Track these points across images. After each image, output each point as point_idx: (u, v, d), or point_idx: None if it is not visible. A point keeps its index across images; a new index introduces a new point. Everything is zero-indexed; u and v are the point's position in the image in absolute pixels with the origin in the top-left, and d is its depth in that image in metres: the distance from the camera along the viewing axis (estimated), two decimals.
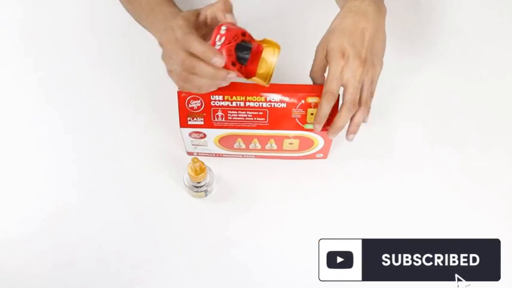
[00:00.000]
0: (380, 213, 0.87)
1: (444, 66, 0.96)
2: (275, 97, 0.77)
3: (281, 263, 0.84)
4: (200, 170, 0.80)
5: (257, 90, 0.77)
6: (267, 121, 0.79)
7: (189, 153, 0.89)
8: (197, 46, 0.68)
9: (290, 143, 0.83)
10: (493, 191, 0.89)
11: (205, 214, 0.87)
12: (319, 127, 0.75)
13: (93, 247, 0.85)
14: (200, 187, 0.84)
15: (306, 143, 0.83)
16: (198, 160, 0.79)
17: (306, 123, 0.79)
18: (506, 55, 0.98)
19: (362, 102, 0.74)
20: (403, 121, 0.93)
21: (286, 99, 0.77)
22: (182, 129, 0.80)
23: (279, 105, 0.77)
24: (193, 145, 0.85)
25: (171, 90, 0.77)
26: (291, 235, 0.86)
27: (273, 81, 0.76)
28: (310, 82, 0.79)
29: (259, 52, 0.74)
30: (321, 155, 0.88)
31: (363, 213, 0.87)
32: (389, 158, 0.90)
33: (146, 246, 0.85)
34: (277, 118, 0.78)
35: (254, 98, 0.77)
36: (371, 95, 0.75)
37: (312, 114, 0.77)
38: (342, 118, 0.73)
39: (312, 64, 0.77)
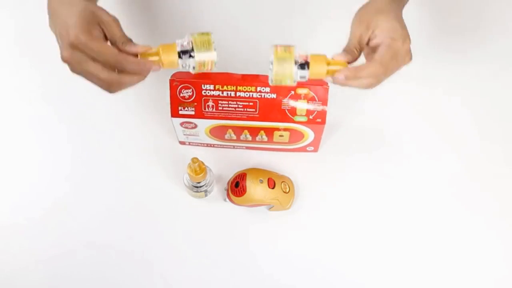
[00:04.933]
0: (370, 207, 0.88)
1: (442, 64, 0.97)
2: (265, 87, 0.78)
3: (280, 260, 0.85)
4: (200, 170, 0.80)
5: (247, 80, 0.78)
6: (257, 112, 0.80)
7: (181, 143, 0.90)
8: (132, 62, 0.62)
9: (280, 135, 0.84)
10: (490, 187, 0.90)
11: (205, 214, 0.88)
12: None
13: (93, 247, 0.86)
14: (200, 187, 0.84)
15: (296, 136, 0.84)
16: (198, 160, 0.79)
17: (296, 115, 0.79)
18: (506, 54, 0.98)
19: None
20: (394, 114, 0.93)
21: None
22: (173, 119, 0.81)
23: (269, 95, 0.78)
24: (184, 135, 0.86)
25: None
26: (290, 233, 0.87)
27: (265, 72, 0.77)
28: None
29: None
30: (312, 148, 0.89)
31: (353, 206, 0.88)
32: (380, 152, 0.91)
33: (146, 245, 0.86)
34: (267, 110, 0.79)
35: (244, 88, 0.78)
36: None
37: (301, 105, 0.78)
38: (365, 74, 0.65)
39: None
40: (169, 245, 0.86)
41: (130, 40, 0.64)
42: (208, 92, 0.78)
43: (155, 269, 0.85)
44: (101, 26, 0.63)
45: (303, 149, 0.89)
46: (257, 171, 0.87)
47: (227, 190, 0.86)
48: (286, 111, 0.79)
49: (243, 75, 0.79)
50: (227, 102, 0.79)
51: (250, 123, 0.81)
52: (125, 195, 0.88)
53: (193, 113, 0.80)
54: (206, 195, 0.87)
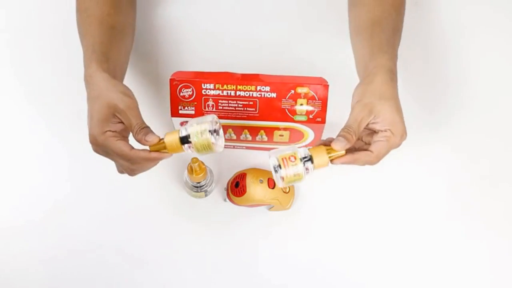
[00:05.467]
0: (371, 207, 0.88)
1: (440, 64, 0.97)
2: (265, 86, 0.78)
3: (281, 260, 0.85)
4: (200, 170, 0.80)
5: (247, 79, 0.78)
6: (257, 112, 0.80)
7: None
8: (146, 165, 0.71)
9: (280, 135, 0.84)
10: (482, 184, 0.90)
11: (205, 214, 0.88)
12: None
13: (93, 247, 0.86)
14: (200, 187, 0.84)
15: (296, 136, 0.84)
16: (198, 160, 0.79)
17: (296, 114, 0.79)
18: (505, 54, 0.98)
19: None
20: None
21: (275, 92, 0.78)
22: (173, 118, 0.81)
23: (269, 95, 0.78)
24: None
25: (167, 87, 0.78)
26: (290, 233, 0.87)
27: (265, 72, 0.78)
28: (299, 74, 0.79)
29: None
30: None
31: (353, 206, 0.88)
32: None
33: (146, 245, 0.86)
34: (267, 109, 0.79)
35: (244, 87, 0.78)
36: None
37: (301, 104, 0.78)
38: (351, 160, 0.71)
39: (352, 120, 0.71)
40: (169, 245, 0.86)
41: (144, 127, 0.69)
42: (208, 92, 0.78)
43: (155, 269, 0.85)
44: (117, 116, 0.69)
45: None
46: (257, 171, 0.87)
47: (227, 190, 0.86)
48: (286, 111, 0.79)
49: (243, 75, 0.79)
50: (227, 102, 0.79)
51: (250, 123, 0.81)
52: (125, 196, 0.88)
53: (193, 112, 0.80)
54: (206, 195, 0.87)
